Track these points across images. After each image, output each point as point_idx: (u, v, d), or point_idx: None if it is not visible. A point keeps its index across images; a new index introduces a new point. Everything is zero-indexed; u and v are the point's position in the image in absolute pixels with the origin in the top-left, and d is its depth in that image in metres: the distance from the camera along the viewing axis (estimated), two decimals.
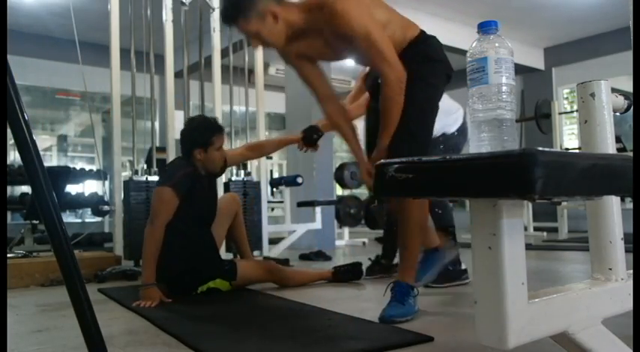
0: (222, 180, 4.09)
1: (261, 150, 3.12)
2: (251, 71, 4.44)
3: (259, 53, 4.37)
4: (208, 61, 4.13)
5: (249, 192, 4.10)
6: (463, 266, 2.80)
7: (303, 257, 4.36)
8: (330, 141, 5.98)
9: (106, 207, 3.70)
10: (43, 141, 8.23)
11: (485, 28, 0.98)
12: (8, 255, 3.24)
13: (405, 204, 2.01)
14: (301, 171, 4.06)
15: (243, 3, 2.00)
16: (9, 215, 6.08)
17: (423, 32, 2.08)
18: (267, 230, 4.20)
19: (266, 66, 7.29)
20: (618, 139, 4.88)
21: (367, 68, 2.39)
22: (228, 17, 2.06)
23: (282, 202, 5.64)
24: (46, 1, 6.18)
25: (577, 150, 1.87)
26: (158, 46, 3.88)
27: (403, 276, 2.00)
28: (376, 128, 2.02)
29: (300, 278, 2.83)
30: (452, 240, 2.73)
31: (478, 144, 0.97)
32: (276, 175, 7.15)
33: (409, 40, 2.03)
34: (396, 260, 2.80)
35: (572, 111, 8.20)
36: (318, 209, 4.89)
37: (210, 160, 2.61)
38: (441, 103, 2.08)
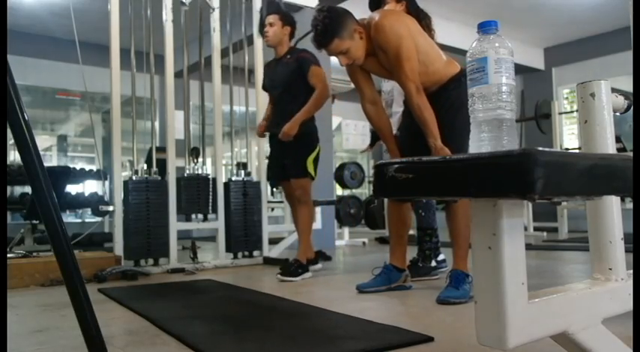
0: (222, 179, 4.09)
1: None
2: (251, 71, 4.44)
3: (259, 53, 4.36)
4: (208, 61, 4.13)
5: (249, 192, 4.10)
6: (433, 264, 3.13)
7: None
8: (330, 141, 5.97)
9: (105, 207, 3.69)
10: (43, 141, 8.23)
11: (485, 28, 0.98)
12: (8, 255, 3.24)
13: (452, 205, 2.39)
14: None
15: (337, 25, 2.34)
16: (9, 215, 6.07)
17: (463, 70, 2.39)
18: (267, 230, 4.19)
19: None
20: (618, 139, 4.88)
21: None
22: (326, 39, 2.38)
23: (282, 202, 5.64)
24: (46, 1, 6.18)
25: (577, 150, 1.88)
26: (158, 46, 3.88)
27: (458, 265, 2.38)
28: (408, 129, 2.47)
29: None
30: (429, 241, 3.20)
31: (478, 144, 0.97)
32: None
33: (450, 75, 2.37)
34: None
35: (572, 111, 8.21)
36: (318, 209, 4.88)
37: None
38: None
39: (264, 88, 3.57)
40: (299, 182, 3.29)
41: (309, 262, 3.36)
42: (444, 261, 3.24)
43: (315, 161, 3.33)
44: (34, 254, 3.42)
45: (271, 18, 3.34)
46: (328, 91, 3.28)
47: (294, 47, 3.43)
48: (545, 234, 6.15)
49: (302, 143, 3.27)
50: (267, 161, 3.69)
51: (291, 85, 3.29)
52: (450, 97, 2.30)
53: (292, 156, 3.28)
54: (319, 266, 3.50)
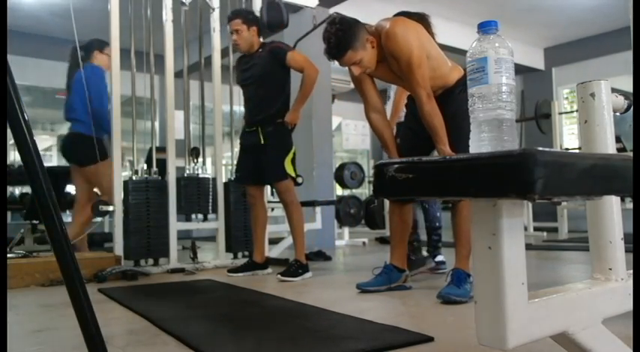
0: (222, 179, 4.09)
1: None
2: None
3: None
4: (208, 61, 4.13)
5: None
6: (425, 254, 3.31)
7: None
8: (330, 141, 5.97)
9: (105, 207, 3.68)
10: (43, 141, 8.23)
11: (485, 28, 0.98)
12: (8, 255, 3.24)
13: (457, 205, 2.41)
14: (301, 171, 4.07)
15: (350, 37, 2.34)
16: (9, 215, 6.07)
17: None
18: (267, 230, 4.19)
19: None
20: (618, 139, 4.88)
21: None
22: (340, 52, 2.37)
23: None
24: (46, 1, 6.18)
25: (577, 150, 1.88)
26: (158, 46, 3.88)
27: (460, 264, 2.39)
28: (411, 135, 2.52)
29: None
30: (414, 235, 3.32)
31: (478, 144, 0.97)
32: None
33: (455, 79, 2.40)
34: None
35: (572, 111, 8.20)
36: (318, 209, 4.88)
37: None
38: None
39: (238, 82, 3.48)
40: (282, 185, 3.23)
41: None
42: (443, 262, 3.26)
43: (293, 162, 3.28)
44: (34, 254, 3.42)
45: (235, 25, 3.22)
46: (316, 70, 3.16)
47: (264, 42, 3.35)
48: (545, 234, 6.15)
49: (277, 146, 3.21)
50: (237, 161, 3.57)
51: (266, 79, 3.21)
52: (457, 101, 2.31)
53: (269, 160, 3.22)
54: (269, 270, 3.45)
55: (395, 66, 2.37)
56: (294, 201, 3.29)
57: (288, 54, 3.16)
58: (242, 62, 3.39)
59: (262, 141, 3.23)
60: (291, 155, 3.26)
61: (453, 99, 2.36)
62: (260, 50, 3.27)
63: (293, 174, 3.27)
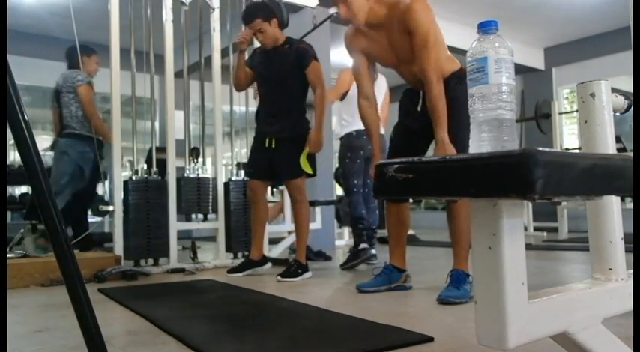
0: (222, 179, 4.09)
1: None
2: None
3: None
4: (208, 61, 4.13)
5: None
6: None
7: None
8: (330, 141, 5.97)
9: (105, 207, 3.68)
10: (43, 141, 8.23)
11: (486, 28, 0.98)
12: (8, 255, 3.24)
13: (453, 205, 2.41)
14: None
15: None
16: (9, 215, 6.07)
17: (463, 69, 2.45)
18: (267, 230, 4.19)
19: None
20: (618, 139, 4.88)
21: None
22: None
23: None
24: (46, 1, 6.18)
25: (577, 150, 1.88)
26: (158, 46, 3.88)
27: (459, 265, 2.39)
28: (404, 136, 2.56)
29: None
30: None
31: (478, 144, 0.97)
32: None
33: (451, 70, 2.42)
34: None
35: (572, 111, 8.21)
36: (318, 209, 4.88)
37: None
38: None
39: (249, 67, 3.33)
40: (294, 183, 3.21)
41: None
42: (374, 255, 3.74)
43: (309, 158, 3.21)
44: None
45: (257, 26, 3.14)
46: (325, 93, 3.20)
47: (289, 37, 3.28)
48: (545, 234, 6.15)
49: (294, 143, 3.20)
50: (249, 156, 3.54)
51: (286, 78, 3.17)
52: (454, 91, 2.32)
53: (284, 157, 3.20)
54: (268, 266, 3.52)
55: (402, 40, 2.35)
56: (304, 200, 3.25)
57: (312, 63, 3.13)
58: (262, 53, 3.30)
59: (274, 146, 3.22)
60: (306, 151, 3.21)
61: (449, 90, 2.36)
62: (286, 46, 3.20)
63: (309, 171, 3.20)
